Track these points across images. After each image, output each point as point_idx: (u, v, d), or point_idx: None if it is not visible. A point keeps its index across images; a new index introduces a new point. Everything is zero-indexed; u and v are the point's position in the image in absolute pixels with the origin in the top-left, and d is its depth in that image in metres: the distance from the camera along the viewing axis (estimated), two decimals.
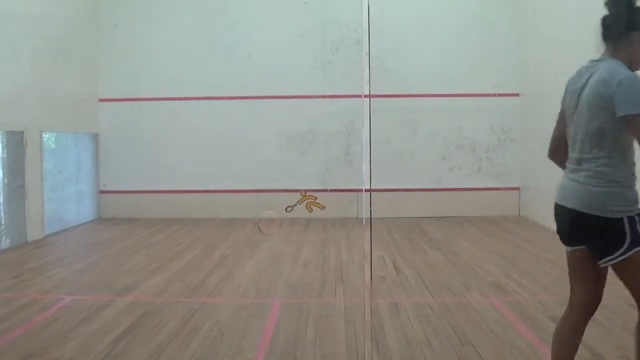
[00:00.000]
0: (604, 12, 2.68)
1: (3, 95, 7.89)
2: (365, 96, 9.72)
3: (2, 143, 8.13)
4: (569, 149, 2.80)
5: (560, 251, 2.89)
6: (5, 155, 8.17)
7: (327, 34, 10.81)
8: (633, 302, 2.66)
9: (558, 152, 2.92)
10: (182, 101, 10.94)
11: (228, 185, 10.89)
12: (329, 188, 10.85)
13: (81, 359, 3.91)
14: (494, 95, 10.78)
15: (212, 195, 10.91)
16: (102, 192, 11.05)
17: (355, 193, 10.50)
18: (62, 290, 5.75)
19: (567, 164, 2.82)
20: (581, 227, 2.70)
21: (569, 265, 2.85)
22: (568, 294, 2.85)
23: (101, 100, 11.08)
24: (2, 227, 8.01)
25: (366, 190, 10.00)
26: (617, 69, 2.59)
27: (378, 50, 10.09)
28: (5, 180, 8.12)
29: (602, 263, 2.67)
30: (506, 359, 3.85)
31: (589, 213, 2.63)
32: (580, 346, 3.98)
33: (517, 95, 10.73)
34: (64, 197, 9.85)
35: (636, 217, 2.60)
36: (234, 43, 10.87)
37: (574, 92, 2.75)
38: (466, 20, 10.79)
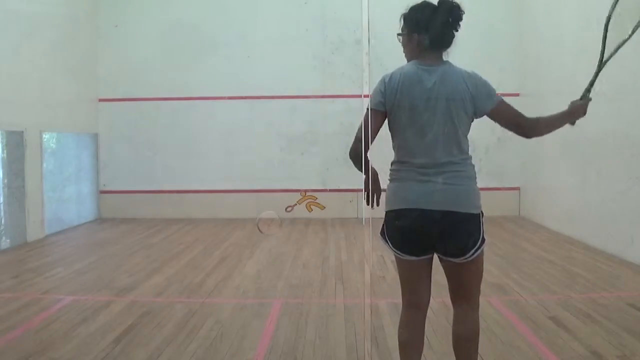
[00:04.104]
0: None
1: (3, 95, 7.89)
2: (365, 96, 9.73)
3: (2, 143, 8.13)
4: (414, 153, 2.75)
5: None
6: (5, 155, 8.16)
7: (327, 34, 10.81)
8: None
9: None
10: (182, 101, 10.94)
11: (228, 185, 10.88)
12: (329, 188, 10.86)
13: (81, 359, 3.91)
14: None
15: (212, 195, 10.90)
16: (102, 192, 11.05)
17: (355, 193, 10.50)
18: (62, 290, 5.74)
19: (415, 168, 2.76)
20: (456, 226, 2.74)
21: (418, 272, 2.98)
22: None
23: (101, 100, 11.07)
24: (2, 227, 8.01)
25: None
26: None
27: (378, 50, 10.11)
28: (5, 180, 8.12)
29: (463, 259, 2.78)
30: (506, 359, 3.85)
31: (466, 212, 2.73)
32: (579, 346, 4.01)
33: (517, 95, 10.71)
34: (64, 197, 9.84)
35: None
36: (233, 43, 10.87)
37: None
38: (466, 20, 10.61)
